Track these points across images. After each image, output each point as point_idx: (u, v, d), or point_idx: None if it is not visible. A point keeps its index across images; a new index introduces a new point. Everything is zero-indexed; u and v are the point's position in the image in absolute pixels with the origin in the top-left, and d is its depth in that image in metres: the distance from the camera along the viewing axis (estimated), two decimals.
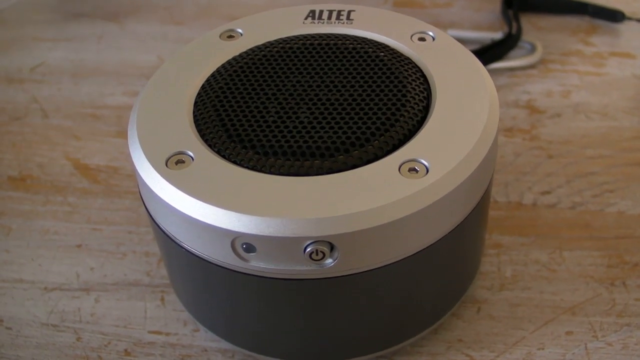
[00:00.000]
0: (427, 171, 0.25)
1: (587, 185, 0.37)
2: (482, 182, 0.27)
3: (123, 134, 0.43)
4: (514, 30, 0.46)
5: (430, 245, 0.26)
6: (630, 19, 0.48)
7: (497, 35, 0.47)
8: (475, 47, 0.46)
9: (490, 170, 0.28)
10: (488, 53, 0.44)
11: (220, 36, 0.33)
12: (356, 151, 0.26)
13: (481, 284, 0.33)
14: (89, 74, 0.48)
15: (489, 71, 0.44)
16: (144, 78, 0.47)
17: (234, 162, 0.26)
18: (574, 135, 0.40)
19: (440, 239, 0.26)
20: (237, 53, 0.32)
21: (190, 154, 0.26)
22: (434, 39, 0.32)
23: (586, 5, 0.49)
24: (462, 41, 0.47)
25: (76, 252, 0.36)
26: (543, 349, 0.30)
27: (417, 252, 0.26)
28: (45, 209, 0.39)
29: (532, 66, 0.45)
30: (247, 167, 0.26)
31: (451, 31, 0.47)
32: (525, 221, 0.36)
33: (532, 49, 0.46)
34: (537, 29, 0.49)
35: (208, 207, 0.25)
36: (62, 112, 0.45)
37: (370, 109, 0.28)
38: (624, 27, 0.49)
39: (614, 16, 0.48)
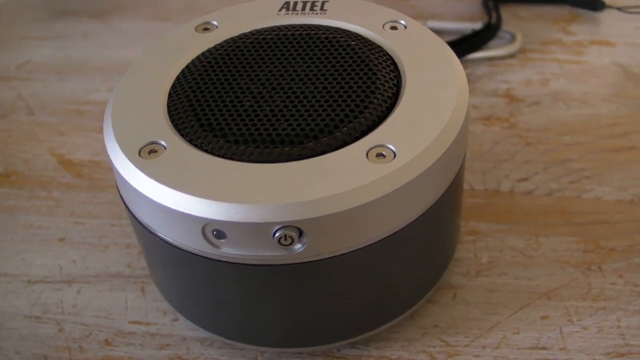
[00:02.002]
0: (395, 156, 0.26)
1: (564, 171, 0.37)
2: (451, 167, 0.28)
3: None
4: (493, 20, 0.46)
5: (400, 229, 0.26)
6: (610, 7, 0.48)
7: (478, 25, 0.47)
8: (456, 37, 0.46)
9: (459, 155, 0.28)
10: (467, 43, 0.44)
11: (195, 29, 0.33)
12: (325, 138, 0.26)
13: (457, 270, 0.33)
14: (74, 71, 0.49)
15: (469, 61, 0.45)
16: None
17: (206, 151, 0.27)
18: (552, 123, 0.40)
19: (409, 224, 0.27)
20: (211, 45, 0.32)
21: (163, 143, 0.27)
22: (405, 27, 0.32)
23: None
24: (444, 32, 0.48)
25: (59, 246, 0.36)
26: (518, 333, 0.30)
27: (386, 237, 0.26)
28: (30, 203, 0.39)
29: (511, 56, 0.46)
30: (218, 155, 0.26)
31: (432, 22, 0.48)
32: (503, 208, 0.36)
33: (512, 39, 0.46)
34: (517, 18, 0.49)
35: (179, 195, 0.25)
36: (47, 109, 0.46)
37: (340, 96, 0.28)
38: (604, 15, 0.49)
39: (595, 5, 0.48)
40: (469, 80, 0.42)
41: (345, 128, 0.27)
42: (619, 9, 0.48)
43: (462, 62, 0.44)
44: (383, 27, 0.32)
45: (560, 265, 0.33)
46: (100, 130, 0.43)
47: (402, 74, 0.29)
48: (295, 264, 0.26)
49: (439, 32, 0.47)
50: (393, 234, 0.26)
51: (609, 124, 0.40)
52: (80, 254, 0.36)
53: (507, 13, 0.49)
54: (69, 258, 0.36)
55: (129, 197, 0.27)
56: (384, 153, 0.26)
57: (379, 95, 0.28)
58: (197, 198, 0.25)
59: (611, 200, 0.36)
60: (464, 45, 0.44)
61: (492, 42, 0.46)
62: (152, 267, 0.31)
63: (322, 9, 0.34)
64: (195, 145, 0.27)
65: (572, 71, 0.44)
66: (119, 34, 0.52)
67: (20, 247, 0.37)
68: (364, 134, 0.27)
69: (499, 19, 0.46)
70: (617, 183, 0.37)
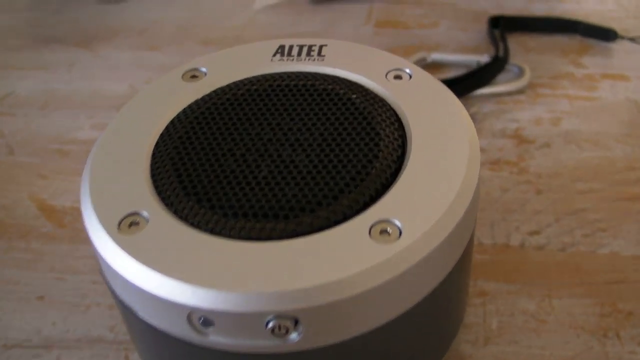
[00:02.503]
0: (400, 233, 0.23)
1: (578, 223, 0.35)
2: (461, 240, 0.25)
3: None
4: (500, 53, 0.44)
5: (405, 311, 0.24)
6: (623, 37, 0.46)
7: (484, 58, 0.45)
8: (461, 70, 0.44)
9: (470, 226, 0.26)
10: (474, 78, 0.41)
11: (182, 76, 0.31)
12: (323, 211, 0.24)
13: (465, 338, 0.31)
14: (58, 106, 0.46)
15: (475, 98, 0.42)
16: (114, 110, 0.45)
17: (192, 225, 0.24)
18: (564, 167, 0.38)
19: (416, 305, 0.24)
20: (199, 96, 0.30)
21: (145, 214, 0.24)
22: (410, 76, 0.30)
23: (577, 23, 0.47)
24: (448, 65, 0.46)
25: (38, 305, 0.34)
26: None
27: (390, 320, 0.24)
28: (8, 256, 0.37)
29: (520, 91, 0.43)
30: (205, 230, 0.24)
31: (436, 54, 0.45)
32: (513, 265, 0.33)
33: (520, 73, 0.44)
34: (525, 50, 0.47)
35: (162, 278, 0.23)
36: (29, 148, 0.43)
37: (340, 161, 0.25)
38: (616, 46, 0.47)
39: (606, 35, 0.46)
40: (475, 119, 0.40)
41: (346, 200, 0.24)
42: (631, 39, 0.46)
43: (468, 99, 0.42)
44: (386, 76, 0.30)
45: (575, 331, 0.31)
46: None
47: (407, 132, 0.27)
48: (290, 353, 0.23)
49: (443, 64, 0.45)
50: (397, 317, 0.24)
51: (624, 168, 0.38)
52: (60, 315, 0.33)
53: (514, 43, 0.47)
54: (49, 319, 0.33)
55: (108, 273, 0.25)
56: (388, 230, 0.23)
57: (382, 160, 0.25)
58: (182, 283, 0.22)
59: (628, 256, 0.33)
60: (470, 80, 0.41)
61: (499, 76, 0.43)
62: (135, 342, 0.28)
63: (319, 54, 0.31)
64: (181, 218, 0.25)
65: (584, 109, 0.42)
66: (105, 65, 0.50)
67: None
68: (366, 205, 0.24)
69: (506, 51, 0.44)
70: (634, 236, 0.34)
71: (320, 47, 0.32)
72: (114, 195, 0.25)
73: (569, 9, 0.51)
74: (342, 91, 0.29)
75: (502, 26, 0.46)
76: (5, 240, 0.37)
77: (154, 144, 0.28)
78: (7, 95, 0.48)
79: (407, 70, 0.30)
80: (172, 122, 0.28)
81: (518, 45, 0.47)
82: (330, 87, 0.29)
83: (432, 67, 0.46)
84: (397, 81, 0.29)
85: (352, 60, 0.31)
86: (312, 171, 0.25)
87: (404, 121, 0.28)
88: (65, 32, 0.54)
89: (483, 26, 0.49)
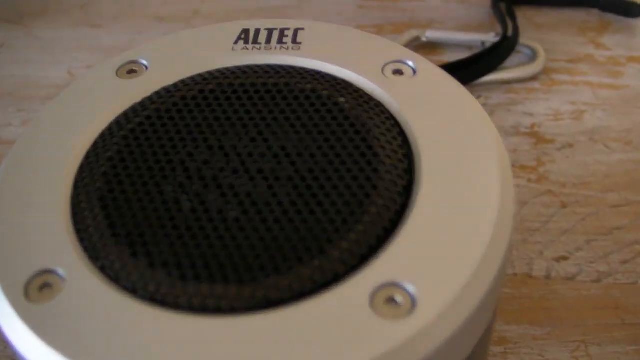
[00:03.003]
0: (414, 304, 0.17)
1: (614, 246, 0.29)
2: (492, 303, 0.19)
3: None
4: (509, 31, 0.37)
5: None
6: None
7: (489, 37, 0.38)
8: (462, 52, 0.37)
9: (502, 282, 0.19)
10: (480, 62, 0.35)
11: (117, 71, 0.24)
12: (305, 269, 0.17)
13: None
14: None
15: (481, 85, 0.35)
16: (48, 101, 0.38)
17: (125, 288, 0.17)
18: (592, 173, 0.31)
19: None
20: (138, 99, 0.22)
21: (62, 273, 0.18)
22: (414, 71, 0.23)
23: None
24: (446, 45, 0.39)
25: None
26: None
27: None
28: None
29: (534, 77, 0.36)
30: (143, 297, 0.17)
31: (431, 32, 0.38)
32: (538, 302, 0.27)
33: (533, 55, 0.37)
34: (535, 26, 0.40)
35: None
36: None
37: (326, 195, 0.19)
38: None
39: (630, 10, 0.39)
40: None
41: (336, 252, 0.18)
42: None
43: (473, 87, 0.35)
44: (383, 70, 0.23)
45: None
46: None
47: (414, 151, 0.20)
48: None
49: (439, 45, 0.38)
50: None
51: None
52: None
53: (522, 19, 0.40)
54: None
55: (16, 354, 0.18)
56: (396, 298, 0.17)
57: (383, 193, 0.19)
58: None
59: None
60: (476, 65, 0.34)
61: (508, 60, 0.36)
62: None
63: (294, 41, 0.24)
64: (110, 278, 0.18)
65: (609, 99, 0.35)
66: (40, 45, 0.42)
67: None
68: (363, 260, 0.18)
69: (516, 29, 0.37)
70: None
71: (296, 31, 0.24)
72: (20, 246, 0.18)
73: None
74: (325, 92, 0.22)
75: None
76: None
77: (77, 168, 0.20)
78: None
79: (410, 63, 0.23)
80: (101, 136, 0.21)
81: (526, 21, 0.40)
82: (309, 86, 0.22)
83: (426, 47, 0.39)
84: (398, 78, 0.22)
85: (338, 50, 0.23)
86: (289, 211, 0.18)
87: (409, 135, 0.21)
88: None
89: None
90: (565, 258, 0.28)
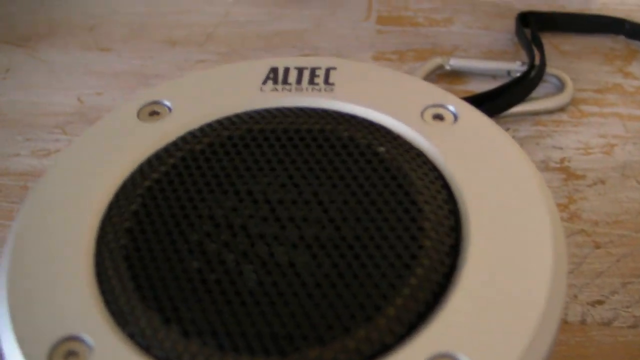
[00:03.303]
0: None
1: None
2: None
3: None
4: (537, 60, 0.36)
5: None
6: None
7: (516, 65, 0.37)
8: (486, 80, 0.36)
9: (553, 347, 0.18)
10: (509, 93, 0.33)
11: (138, 114, 0.22)
12: (351, 340, 0.16)
13: None
14: None
15: (508, 117, 0.34)
16: (58, 130, 0.36)
17: (157, 358, 0.16)
18: (625, 211, 0.30)
19: None
20: (161, 145, 0.21)
21: (89, 340, 0.17)
22: (455, 117, 0.21)
23: (622, 22, 0.39)
24: (471, 74, 0.38)
25: None
26: None
27: None
28: None
29: (562, 108, 0.35)
30: None
31: (455, 60, 0.37)
32: (575, 349, 0.26)
33: (560, 85, 0.36)
34: (560, 54, 0.39)
35: None
36: None
37: (370, 256, 0.18)
38: None
39: None
40: None
41: (384, 319, 0.16)
42: None
43: (501, 119, 0.34)
44: (422, 115, 0.22)
45: None
46: None
47: (460, 206, 0.19)
48: None
49: (464, 73, 0.37)
50: None
51: None
52: None
53: (547, 46, 0.39)
54: None
55: None
56: None
57: (431, 253, 0.18)
58: None
59: None
60: (504, 96, 0.33)
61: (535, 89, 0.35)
62: None
63: (326, 82, 0.23)
64: (140, 345, 0.17)
65: None
66: (47, 70, 0.41)
67: None
68: (412, 327, 0.16)
69: (543, 57, 0.36)
70: None
71: (328, 70, 0.23)
72: (43, 311, 0.17)
73: (607, 2, 0.43)
74: (364, 140, 0.20)
75: (534, 26, 0.38)
76: None
77: (99, 222, 0.19)
78: None
79: (452, 108, 0.22)
80: (124, 186, 0.20)
81: (551, 48, 0.39)
82: (346, 133, 0.21)
83: (450, 76, 0.38)
84: (438, 124, 0.21)
85: (373, 92, 0.22)
86: (331, 274, 0.17)
87: (453, 188, 0.20)
88: None
89: (508, 24, 0.41)
90: (600, 302, 0.27)
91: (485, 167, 0.20)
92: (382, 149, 0.20)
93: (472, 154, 0.20)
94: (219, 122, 0.22)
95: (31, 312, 0.17)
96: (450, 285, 0.17)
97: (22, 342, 0.17)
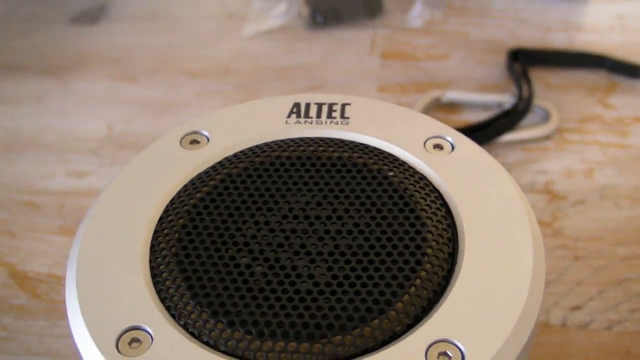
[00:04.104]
0: (463, 358, 0.19)
1: (624, 296, 0.31)
2: (528, 354, 0.21)
3: (66, 230, 0.36)
4: (524, 93, 0.40)
5: None
6: None
7: (506, 97, 0.41)
8: (479, 111, 0.40)
9: (535, 336, 0.22)
10: (499, 123, 0.37)
11: (181, 142, 0.26)
12: (368, 328, 0.20)
13: None
14: (25, 148, 0.41)
15: (497, 145, 0.38)
16: (90, 154, 0.40)
17: (207, 344, 0.20)
18: (603, 229, 0.34)
19: None
20: (202, 168, 0.25)
21: (149, 330, 0.20)
22: (453, 147, 0.25)
23: (602, 58, 0.43)
24: (464, 105, 0.41)
25: None
26: None
27: None
28: None
29: (547, 137, 0.39)
30: (225, 353, 0.20)
31: (452, 93, 0.41)
32: (556, 348, 0.30)
33: (546, 115, 0.40)
34: (547, 87, 0.43)
35: None
36: None
37: (382, 261, 0.21)
38: None
39: (635, 71, 0.42)
40: None
41: (394, 312, 0.20)
42: None
43: (491, 146, 0.38)
44: (424, 145, 0.25)
45: None
46: (59, 232, 0.36)
47: (457, 221, 0.23)
48: None
49: (458, 104, 0.41)
50: None
51: None
52: None
53: (535, 79, 0.43)
54: None
55: None
56: (449, 353, 0.19)
57: (432, 259, 0.21)
58: None
59: None
60: (495, 126, 0.37)
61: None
62: None
63: (342, 116, 0.27)
64: (193, 335, 0.20)
65: (617, 158, 0.38)
66: (78, 99, 0.45)
67: None
68: (418, 319, 0.20)
69: (531, 90, 0.40)
70: None
71: (343, 106, 0.27)
72: (109, 306, 0.21)
73: (590, 40, 0.47)
74: (375, 166, 0.24)
75: (523, 61, 0.42)
76: None
77: (152, 232, 0.23)
78: None
79: (449, 139, 0.25)
80: (172, 203, 0.24)
81: (538, 81, 0.43)
82: (360, 160, 0.25)
83: (447, 107, 0.42)
84: (438, 152, 0.25)
85: (383, 125, 0.26)
86: (351, 276, 0.21)
87: (451, 206, 0.23)
88: (31, 58, 0.49)
89: (499, 58, 0.45)
90: (579, 307, 0.31)
91: (477, 189, 0.24)
92: (391, 173, 0.24)
93: (466, 178, 0.24)
94: (251, 150, 0.25)
95: (99, 308, 0.21)
96: (448, 286, 0.21)
97: (93, 333, 0.20)
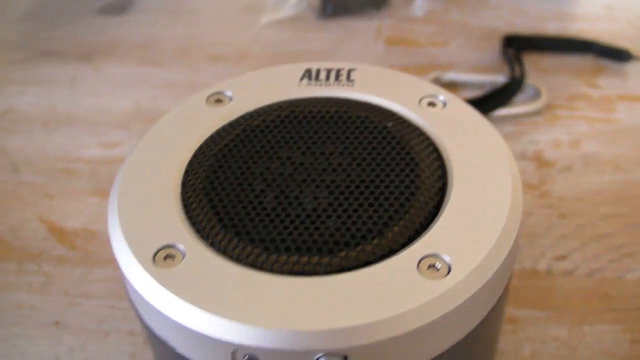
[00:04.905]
0: (449, 270, 0.22)
1: (604, 248, 0.35)
2: (507, 272, 0.25)
3: (99, 193, 0.40)
4: (517, 73, 0.43)
5: (452, 346, 0.23)
6: (637, 58, 0.46)
7: (499, 78, 0.44)
8: (476, 90, 0.44)
9: (514, 257, 0.25)
10: (493, 99, 0.41)
11: (207, 100, 0.30)
12: (368, 245, 0.23)
13: None
14: (61, 123, 0.45)
15: (493, 119, 0.42)
16: (120, 127, 0.44)
17: (231, 258, 0.23)
18: (586, 191, 0.38)
19: (463, 338, 0.24)
20: (226, 121, 0.29)
21: (181, 247, 0.24)
22: (444, 104, 0.29)
23: (590, 43, 0.47)
24: (463, 85, 0.45)
25: (54, 331, 0.33)
26: None
27: (437, 356, 0.23)
28: (19, 279, 0.35)
29: (537, 112, 0.43)
30: (246, 265, 0.23)
31: (451, 74, 0.45)
32: (541, 291, 0.33)
33: (537, 94, 0.44)
34: (539, 69, 0.47)
35: (204, 315, 0.22)
36: (34, 167, 0.42)
37: (381, 192, 0.25)
38: (631, 67, 0.47)
39: (620, 55, 0.46)
40: None
41: (391, 233, 0.24)
42: None
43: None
44: (419, 102, 0.29)
45: (607, 358, 0.30)
46: (93, 193, 0.40)
47: (446, 162, 0.26)
48: None
49: (457, 84, 0.45)
50: (444, 351, 0.23)
51: None
52: (78, 342, 0.32)
53: (528, 63, 0.47)
54: (66, 346, 0.32)
55: (143, 309, 0.24)
56: (437, 265, 0.23)
57: (424, 191, 0.25)
58: (226, 320, 0.21)
59: None
60: (489, 101, 0.41)
61: (515, 97, 0.43)
62: None
63: (348, 79, 0.30)
64: (219, 251, 0.24)
65: (602, 131, 0.41)
66: (108, 80, 0.49)
67: (10, 331, 0.33)
68: (411, 239, 0.24)
69: (522, 71, 0.43)
70: None
71: (349, 71, 0.31)
72: (146, 227, 0.24)
73: (582, 27, 0.51)
74: (376, 119, 0.28)
75: (516, 46, 0.46)
76: (15, 262, 0.36)
77: (183, 172, 0.27)
78: (7, 111, 0.47)
79: (441, 97, 0.29)
80: (200, 149, 0.28)
81: (532, 64, 0.47)
82: (363, 114, 0.28)
83: (446, 87, 0.45)
84: (431, 109, 0.29)
85: (383, 86, 0.30)
86: (353, 202, 0.24)
87: (442, 151, 0.27)
88: (64, 45, 0.53)
89: (494, 45, 0.49)
90: (563, 257, 0.34)
91: (465, 137, 0.27)
92: (390, 124, 0.28)
93: (456, 129, 0.28)
94: (269, 107, 0.29)
95: (138, 229, 0.24)
96: (438, 213, 0.25)
97: (134, 249, 0.24)
